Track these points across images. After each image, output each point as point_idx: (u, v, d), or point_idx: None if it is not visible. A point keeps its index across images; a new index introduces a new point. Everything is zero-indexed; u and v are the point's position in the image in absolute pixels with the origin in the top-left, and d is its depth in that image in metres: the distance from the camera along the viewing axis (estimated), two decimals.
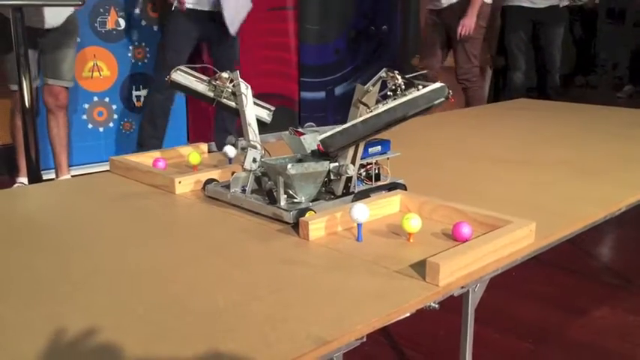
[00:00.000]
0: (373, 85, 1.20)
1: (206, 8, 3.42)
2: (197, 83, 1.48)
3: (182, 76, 1.47)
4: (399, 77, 1.19)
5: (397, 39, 5.14)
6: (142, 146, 3.46)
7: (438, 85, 1.19)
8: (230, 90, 1.43)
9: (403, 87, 1.19)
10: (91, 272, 1.00)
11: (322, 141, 1.20)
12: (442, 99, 1.20)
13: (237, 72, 1.41)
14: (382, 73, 1.21)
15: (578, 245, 2.76)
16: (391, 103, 1.19)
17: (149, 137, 3.48)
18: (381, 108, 1.19)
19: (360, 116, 1.21)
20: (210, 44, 3.66)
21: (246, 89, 1.40)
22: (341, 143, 1.21)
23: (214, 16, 3.43)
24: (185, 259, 1.06)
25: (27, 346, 0.77)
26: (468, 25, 3.91)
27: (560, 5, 4.65)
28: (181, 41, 3.45)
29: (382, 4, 4.96)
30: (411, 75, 1.21)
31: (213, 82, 1.44)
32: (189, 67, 1.49)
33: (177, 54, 3.38)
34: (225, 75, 1.42)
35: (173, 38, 3.46)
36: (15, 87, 2.99)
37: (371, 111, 1.20)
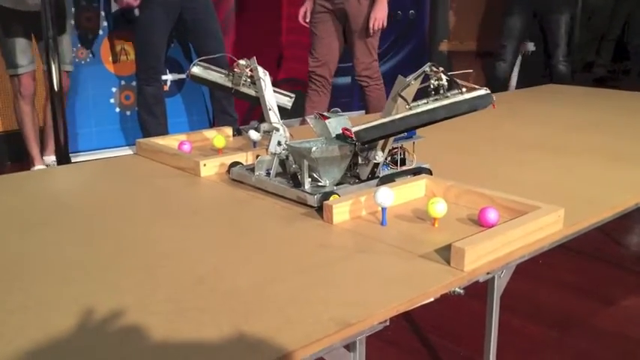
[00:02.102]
0: (415, 79, 1.17)
1: None
2: (216, 74, 1.52)
3: (200, 69, 1.53)
4: (443, 76, 1.16)
5: (425, 24, 5.08)
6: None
7: (483, 91, 1.16)
8: (248, 78, 1.46)
9: (446, 87, 1.16)
10: (117, 252, 1.01)
11: (356, 133, 1.18)
12: (486, 106, 1.17)
13: (254, 58, 1.44)
14: (426, 68, 1.17)
15: (607, 233, 2.71)
16: (432, 104, 1.16)
17: (154, 127, 3.41)
18: (422, 107, 1.16)
19: (398, 110, 1.18)
20: (185, 30, 3.48)
21: (264, 75, 1.41)
22: (375, 136, 1.19)
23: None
24: (210, 241, 1.06)
25: (56, 323, 0.78)
26: (380, 17, 3.35)
27: None
28: (156, 34, 3.28)
29: None
30: (453, 73, 1.17)
31: (231, 72, 1.48)
32: (206, 59, 1.54)
33: (154, 47, 3.28)
34: (242, 62, 1.46)
35: (147, 32, 3.28)
36: (14, 71, 3.03)
37: (410, 108, 1.16)
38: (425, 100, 1.18)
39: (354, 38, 3.44)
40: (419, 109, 1.16)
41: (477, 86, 1.17)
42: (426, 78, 1.18)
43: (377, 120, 1.19)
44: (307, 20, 3.54)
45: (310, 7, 3.51)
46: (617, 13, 6.18)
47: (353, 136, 1.18)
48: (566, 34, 4.43)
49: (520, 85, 5.03)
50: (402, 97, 1.17)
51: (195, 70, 1.52)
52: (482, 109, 1.16)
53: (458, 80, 1.16)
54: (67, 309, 0.82)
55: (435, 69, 1.16)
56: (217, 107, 3.59)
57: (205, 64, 1.53)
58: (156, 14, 3.22)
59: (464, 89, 1.16)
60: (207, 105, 4.00)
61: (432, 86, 1.17)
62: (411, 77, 1.17)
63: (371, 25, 3.37)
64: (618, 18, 6.22)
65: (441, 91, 1.16)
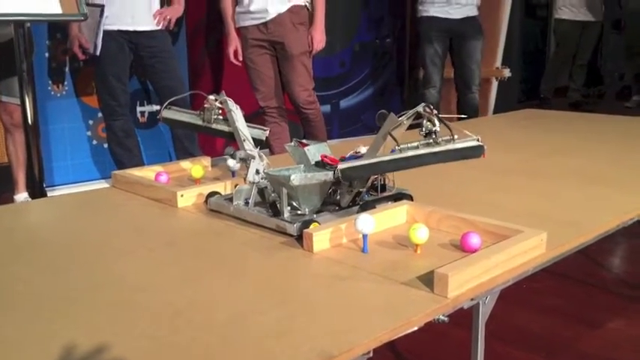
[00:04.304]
0: (407, 118, 1.15)
1: (130, 28, 3.17)
2: (186, 115, 1.55)
3: (171, 112, 1.57)
4: (437, 122, 1.14)
5: (403, 51, 5.14)
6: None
7: (474, 142, 1.16)
8: (219, 113, 1.48)
9: (439, 131, 1.15)
10: (92, 287, 0.98)
11: (343, 172, 1.17)
12: (476, 157, 1.17)
13: (223, 92, 1.47)
14: (420, 109, 1.15)
15: (590, 256, 2.72)
16: (422, 149, 1.14)
17: (128, 159, 3.31)
18: (412, 151, 1.15)
19: (386, 148, 1.17)
20: (143, 68, 3.40)
21: (235, 107, 1.42)
22: (361, 175, 1.19)
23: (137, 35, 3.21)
24: (187, 273, 1.03)
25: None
26: (321, 39, 3.34)
27: None
28: (113, 69, 3.21)
29: (387, 17, 4.96)
30: (445, 116, 1.16)
31: (202, 110, 1.50)
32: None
33: (113, 82, 3.21)
34: (212, 97, 1.48)
35: (104, 68, 3.21)
36: None
37: (400, 150, 1.15)
38: (415, 144, 1.16)
39: (294, 65, 3.31)
40: (408, 153, 1.15)
41: (469, 133, 1.16)
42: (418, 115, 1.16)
43: (365, 159, 1.18)
44: (240, 58, 3.42)
45: (239, 44, 3.40)
46: (586, 38, 6.28)
47: (337, 165, 1.17)
48: (479, 61, 4.32)
49: (497, 110, 5.08)
50: (392, 137, 1.16)
51: (166, 113, 1.56)
52: (472, 158, 1.16)
53: (450, 125, 1.15)
54: (40, 347, 0.78)
55: (428, 110, 1.15)
56: (178, 147, 3.51)
57: (175, 107, 1.56)
58: (111, 50, 3.17)
59: (456, 136, 1.15)
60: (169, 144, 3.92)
61: (424, 129, 1.16)
62: (404, 117, 1.16)
63: (316, 47, 3.33)
64: (586, 43, 6.32)
65: (433, 136, 1.15)
